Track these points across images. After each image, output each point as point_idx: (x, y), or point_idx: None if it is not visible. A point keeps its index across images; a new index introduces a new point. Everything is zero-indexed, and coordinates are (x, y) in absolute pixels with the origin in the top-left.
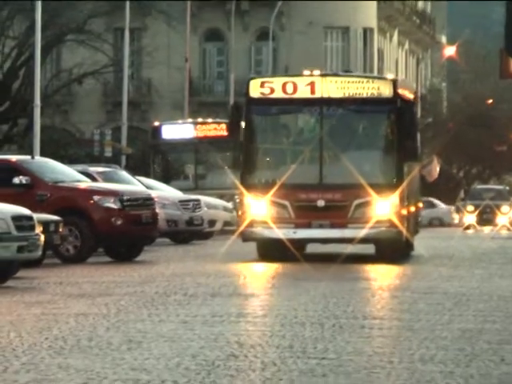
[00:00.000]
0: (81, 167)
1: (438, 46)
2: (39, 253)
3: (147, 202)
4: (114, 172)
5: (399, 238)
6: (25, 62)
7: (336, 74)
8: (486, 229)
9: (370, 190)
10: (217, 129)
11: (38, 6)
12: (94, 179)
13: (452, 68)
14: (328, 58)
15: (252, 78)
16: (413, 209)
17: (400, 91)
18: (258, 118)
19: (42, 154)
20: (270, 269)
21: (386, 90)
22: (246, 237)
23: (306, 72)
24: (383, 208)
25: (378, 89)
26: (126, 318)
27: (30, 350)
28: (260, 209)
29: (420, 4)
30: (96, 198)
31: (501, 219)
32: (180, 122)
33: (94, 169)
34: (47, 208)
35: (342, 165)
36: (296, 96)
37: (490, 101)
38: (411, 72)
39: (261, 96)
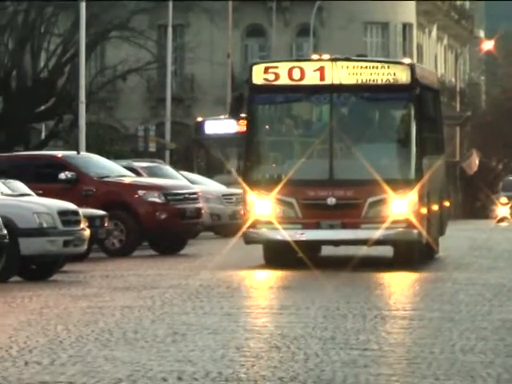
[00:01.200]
0: (125, 162)
1: (477, 41)
2: (85, 247)
3: (191, 196)
4: (158, 167)
5: (418, 239)
6: (70, 59)
7: (348, 59)
8: None
9: (386, 187)
10: None
11: (82, 3)
12: (138, 174)
13: (490, 62)
14: (368, 53)
15: (255, 63)
16: (435, 207)
17: (419, 77)
18: (262, 107)
19: (88, 150)
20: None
21: (403, 76)
22: (248, 238)
23: (315, 56)
24: (400, 206)
25: (394, 74)
26: (170, 310)
27: (76, 342)
28: (264, 208)
29: None
30: (141, 192)
31: None
32: (223, 117)
33: (138, 164)
34: (93, 203)
35: (354, 159)
36: (303, 83)
37: None
38: (450, 67)
39: (264, 83)
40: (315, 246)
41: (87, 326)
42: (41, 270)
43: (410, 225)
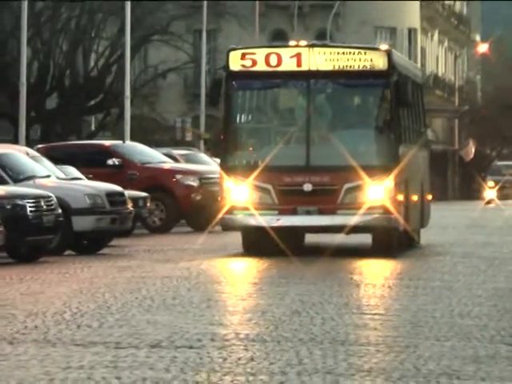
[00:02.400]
0: (165, 150)
1: (473, 44)
2: (130, 224)
3: None
4: (194, 154)
5: (394, 225)
6: (116, 60)
7: (325, 45)
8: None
9: (362, 173)
10: None
11: (128, 9)
12: (176, 160)
13: (485, 62)
14: None
15: (232, 49)
16: (415, 197)
17: (397, 65)
18: (239, 93)
19: (132, 139)
20: (328, 238)
21: (380, 62)
22: (225, 224)
23: (292, 42)
24: (376, 193)
25: (371, 60)
26: (204, 279)
27: (122, 307)
28: (240, 194)
29: (457, 6)
30: (178, 176)
31: None
32: None
33: (176, 151)
34: (136, 186)
35: (331, 145)
36: (280, 69)
37: None
38: (450, 67)
39: (241, 69)
40: (298, 233)
41: (131, 294)
42: (91, 245)
43: (386, 211)
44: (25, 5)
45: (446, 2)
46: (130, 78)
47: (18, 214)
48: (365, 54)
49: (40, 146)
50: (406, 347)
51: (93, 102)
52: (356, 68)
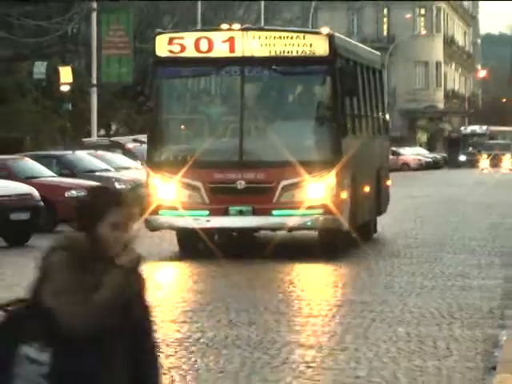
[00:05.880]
0: None
1: (476, 70)
2: None
3: None
4: None
5: (336, 226)
6: None
7: (260, 29)
8: (503, 169)
9: (301, 169)
10: None
11: None
12: None
13: (485, 82)
14: (416, 80)
15: (158, 33)
16: (367, 189)
17: (341, 50)
18: (166, 81)
19: None
20: None
21: (321, 48)
22: (151, 225)
23: (224, 26)
24: (316, 191)
25: (311, 46)
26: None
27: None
28: (168, 192)
29: (467, 47)
30: None
31: (504, 163)
32: None
33: None
34: None
35: (266, 138)
36: (211, 55)
37: (504, 100)
38: (462, 85)
39: (169, 55)
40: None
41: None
42: None
43: (327, 211)
44: None
45: (460, 44)
46: None
47: None
48: (304, 38)
49: None
50: (435, 259)
51: None
52: (294, 54)
